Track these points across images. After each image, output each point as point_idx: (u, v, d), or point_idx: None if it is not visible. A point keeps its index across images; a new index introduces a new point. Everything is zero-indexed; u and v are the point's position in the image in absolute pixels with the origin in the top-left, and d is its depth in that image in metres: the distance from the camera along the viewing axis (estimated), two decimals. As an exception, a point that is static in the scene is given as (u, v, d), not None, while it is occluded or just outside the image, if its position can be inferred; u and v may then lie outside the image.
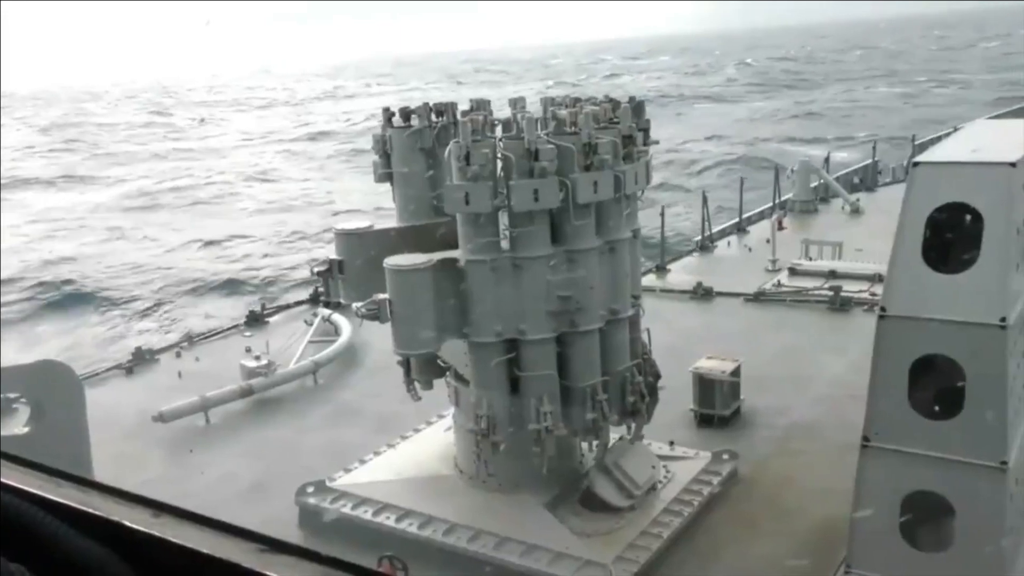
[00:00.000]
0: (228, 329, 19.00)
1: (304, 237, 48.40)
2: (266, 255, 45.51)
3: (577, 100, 10.60)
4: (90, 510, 1.47)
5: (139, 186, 68.54)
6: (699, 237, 24.17)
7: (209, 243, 48.33)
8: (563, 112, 9.75)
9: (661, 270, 21.58)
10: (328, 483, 11.24)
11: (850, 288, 18.11)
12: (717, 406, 12.98)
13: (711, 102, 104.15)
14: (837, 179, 29.70)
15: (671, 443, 11.64)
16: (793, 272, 19.87)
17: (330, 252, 11.04)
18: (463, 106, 10.95)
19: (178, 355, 17.19)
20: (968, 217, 6.95)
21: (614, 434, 10.75)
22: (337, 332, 17.24)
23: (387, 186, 11.03)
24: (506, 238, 9.63)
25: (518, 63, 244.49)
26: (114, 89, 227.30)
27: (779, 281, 19.47)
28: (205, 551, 1.37)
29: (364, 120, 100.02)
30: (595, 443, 10.44)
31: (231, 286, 40.12)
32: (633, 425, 10.58)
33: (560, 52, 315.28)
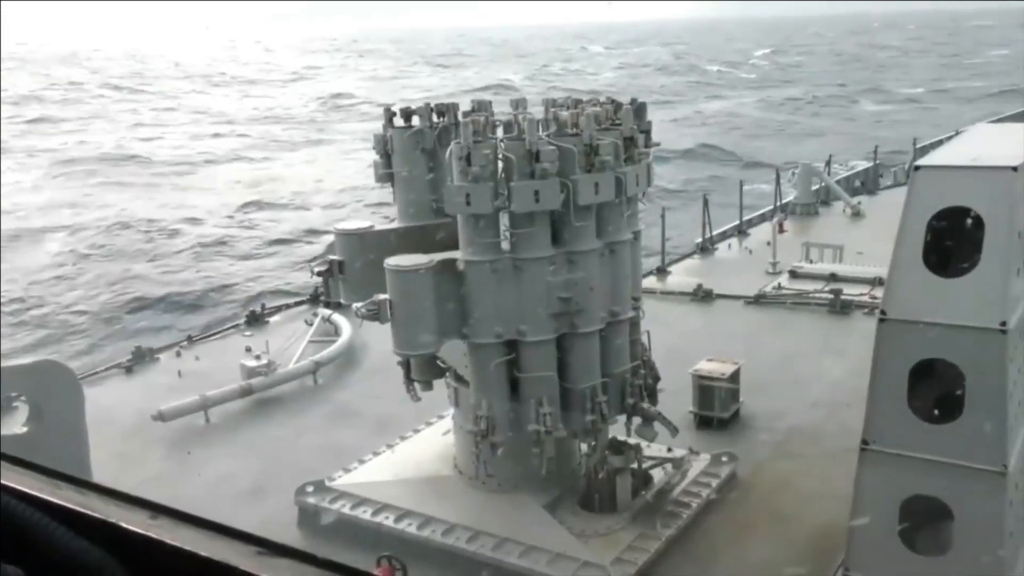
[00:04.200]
0: (228, 328, 19.01)
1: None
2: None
3: (579, 101, 10.61)
4: (88, 512, 1.47)
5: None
6: (700, 239, 24.17)
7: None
8: (564, 113, 9.75)
9: (662, 272, 21.57)
10: (327, 483, 11.24)
11: (851, 291, 18.09)
12: (716, 408, 12.98)
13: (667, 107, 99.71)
14: (838, 182, 29.72)
15: (669, 448, 11.63)
16: (794, 275, 19.86)
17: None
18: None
19: (178, 354, 17.18)
20: (969, 221, 6.96)
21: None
22: (337, 332, 17.24)
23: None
24: (507, 239, 9.63)
25: (504, 45, 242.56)
26: (95, 54, 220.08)
27: (780, 284, 19.46)
28: (202, 553, 1.37)
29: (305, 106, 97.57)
30: (593, 444, 10.46)
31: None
32: (639, 424, 10.57)
33: (552, 35, 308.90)
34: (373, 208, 45.16)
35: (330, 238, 9.33)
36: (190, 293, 35.33)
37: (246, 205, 51.43)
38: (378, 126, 11.19)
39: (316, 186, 56.79)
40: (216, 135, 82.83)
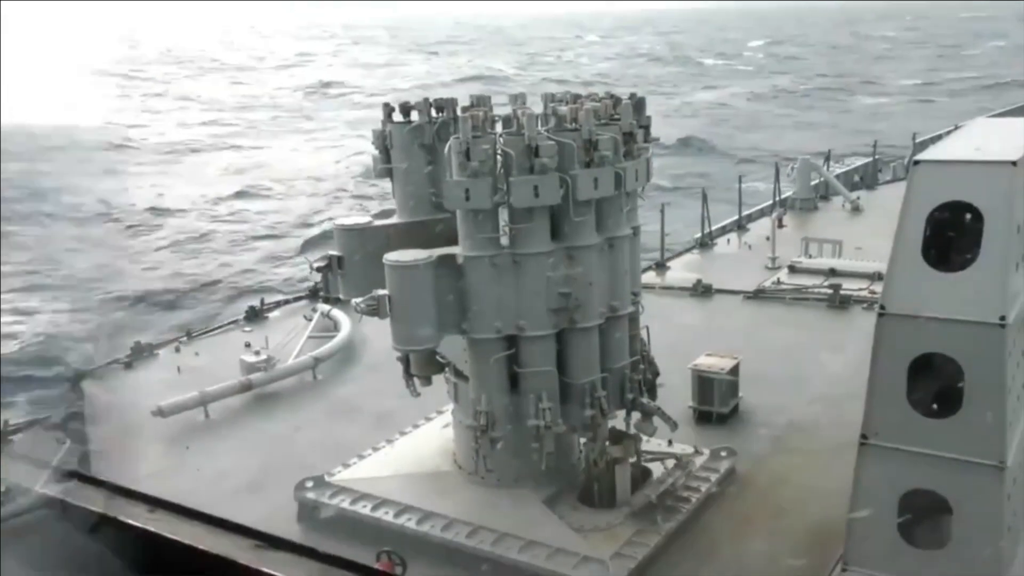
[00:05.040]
0: (228, 324, 18.99)
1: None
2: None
3: (578, 96, 10.60)
4: (88, 505, 1.47)
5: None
6: (699, 234, 24.16)
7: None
8: (564, 108, 9.73)
9: (661, 267, 21.57)
10: (327, 478, 11.25)
11: (850, 286, 18.11)
12: (716, 403, 12.99)
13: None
14: (838, 177, 29.70)
15: (669, 441, 11.65)
16: (793, 270, 19.88)
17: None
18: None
19: (177, 350, 17.16)
20: (968, 216, 6.96)
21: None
22: (337, 328, 17.22)
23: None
24: (506, 234, 9.62)
25: (499, 33, 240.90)
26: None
27: (779, 279, 19.47)
28: (201, 547, 1.37)
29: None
30: (592, 437, 10.46)
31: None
32: (638, 418, 10.58)
33: (549, 23, 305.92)
34: (356, 198, 45.10)
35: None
36: (173, 291, 34.98)
37: (231, 197, 51.30)
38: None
39: (300, 173, 56.85)
40: (203, 123, 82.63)
